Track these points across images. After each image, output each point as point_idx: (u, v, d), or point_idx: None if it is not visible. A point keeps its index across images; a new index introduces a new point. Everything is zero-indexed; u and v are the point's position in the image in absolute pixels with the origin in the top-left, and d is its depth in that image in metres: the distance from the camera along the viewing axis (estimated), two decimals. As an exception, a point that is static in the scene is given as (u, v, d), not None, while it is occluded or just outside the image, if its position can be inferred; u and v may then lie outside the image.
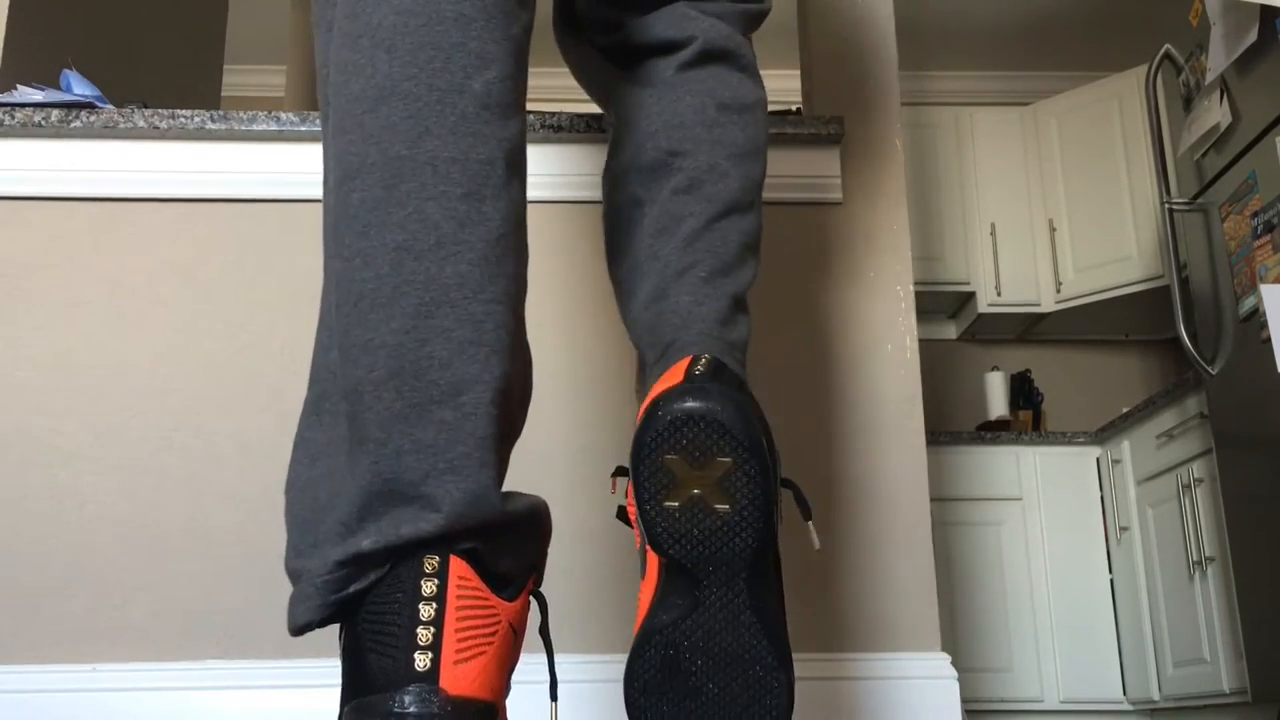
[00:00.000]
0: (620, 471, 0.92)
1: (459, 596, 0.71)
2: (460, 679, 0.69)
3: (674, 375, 0.84)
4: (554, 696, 0.84)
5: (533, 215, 1.84)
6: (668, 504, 0.81)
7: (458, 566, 0.71)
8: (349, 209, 0.77)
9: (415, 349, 0.74)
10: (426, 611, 0.70)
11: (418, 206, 0.75)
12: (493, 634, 0.72)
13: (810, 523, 0.90)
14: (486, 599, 0.72)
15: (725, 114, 1.05)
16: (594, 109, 2.51)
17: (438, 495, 0.73)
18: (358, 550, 0.72)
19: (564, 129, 1.91)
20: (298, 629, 0.76)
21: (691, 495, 0.80)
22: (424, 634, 0.69)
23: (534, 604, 0.82)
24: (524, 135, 0.84)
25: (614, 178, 1.10)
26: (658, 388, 0.84)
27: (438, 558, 0.71)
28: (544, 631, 0.84)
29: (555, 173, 1.93)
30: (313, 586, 0.74)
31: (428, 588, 0.70)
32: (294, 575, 0.78)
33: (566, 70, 1.26)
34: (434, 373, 0.74)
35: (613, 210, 1.10)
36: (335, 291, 0.78)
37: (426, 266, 0.75)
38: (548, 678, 0.85)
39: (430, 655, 0.68)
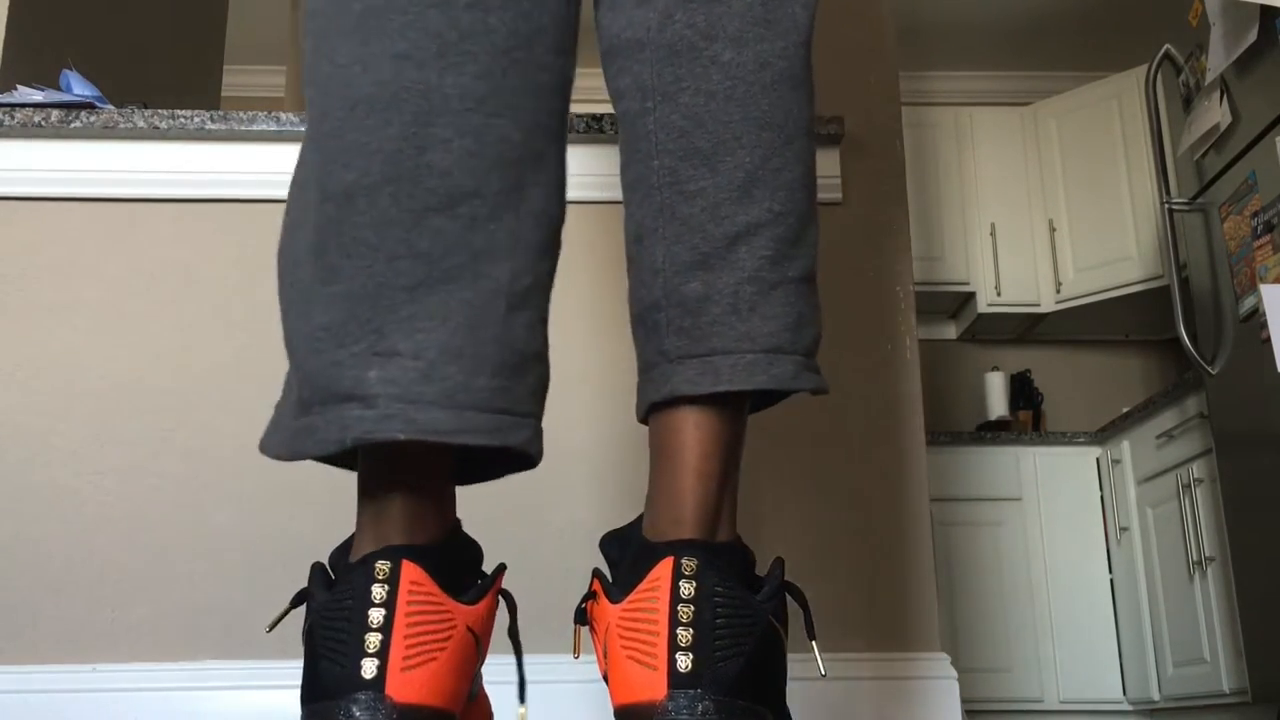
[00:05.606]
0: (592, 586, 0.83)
1: (409, 602, 0.69)
2: (408, 685, 0.68)
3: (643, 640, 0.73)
4: (522, 699, 0.82)
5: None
6: None
7: (410, 571, 0.70)
8: (349, 19, 0.74)
9: (414, 156, 0.72)
10: (375, 617, 0.68)
11: (420, 13, 0.73)
12: (446, 639, 0.70)
13: (814, 643, 0.81)
14: (442, 604, 0.71)
15: None
16: (595, 109, 2.50)
17: (431, 306, 0.71)
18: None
19: (573, 129, 1.90)
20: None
21: None
22: (372, 640, 0.68)
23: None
24: None
25: None
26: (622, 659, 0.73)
27: (389, 563, 0.70)
28: (513, 634, 0.82)
29: (573, 173, 1.93)
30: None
31: (378, 593, 0.69)
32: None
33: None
34: (431, 180, 0.72)
35: None
36: (322, 100, 0.74)
37: (427, 75, 0.72)
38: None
39: (377, 662, 0.67)
